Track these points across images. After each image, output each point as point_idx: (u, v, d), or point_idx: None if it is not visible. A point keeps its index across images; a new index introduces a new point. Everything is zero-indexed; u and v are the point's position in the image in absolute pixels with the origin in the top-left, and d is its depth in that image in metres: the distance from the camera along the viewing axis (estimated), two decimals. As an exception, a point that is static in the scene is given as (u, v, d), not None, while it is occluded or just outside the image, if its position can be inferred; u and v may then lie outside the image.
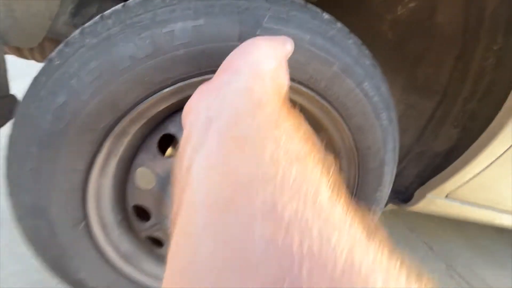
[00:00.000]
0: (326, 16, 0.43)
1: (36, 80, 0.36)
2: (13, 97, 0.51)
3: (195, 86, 0.31)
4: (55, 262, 0.45)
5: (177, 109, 0.43)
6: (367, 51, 0.47)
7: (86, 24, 0.36)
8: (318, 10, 0.43)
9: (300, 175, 0.17)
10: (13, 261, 0.47)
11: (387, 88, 0.50)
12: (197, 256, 0.16)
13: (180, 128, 0.41)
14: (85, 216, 0.44)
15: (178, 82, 0.39)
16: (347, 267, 0.12)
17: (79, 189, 0.41)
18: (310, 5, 0.43)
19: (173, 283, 0.17)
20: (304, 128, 0.23)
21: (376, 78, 0.47)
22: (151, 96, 0.39)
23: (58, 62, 0.35)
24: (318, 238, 0.13)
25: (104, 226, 0.47)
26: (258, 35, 0.37)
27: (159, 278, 0.53)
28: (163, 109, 0.42)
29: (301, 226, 0.14)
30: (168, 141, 0.49)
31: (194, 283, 0.15)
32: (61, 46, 0.35)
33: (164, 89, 0.39)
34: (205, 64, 0.38)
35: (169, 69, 0.37)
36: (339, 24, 0.44)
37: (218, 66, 0.29)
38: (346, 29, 0.45)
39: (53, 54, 0.35)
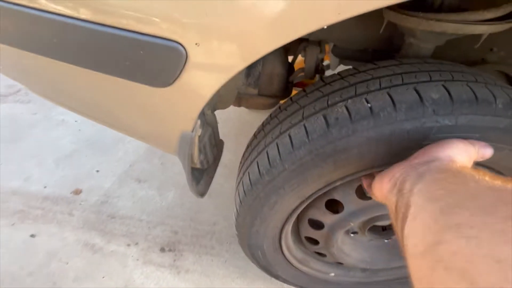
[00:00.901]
0: (499, 105, 0.42)
1: (253, 186, 0.55)
2: (222, 142, 0.72)
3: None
4: (265, 267, 0.75)
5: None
6: None
7: (282, 153, 0.50)
8: (490, 97, 0.42)
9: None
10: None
11: None
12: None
13: (343, 195, 0.56)
14: (280, 246, 0.68)
15: (342, 180, 0.51)
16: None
17: (277, 236, 0.64)
18: (481, 94, 0.42)
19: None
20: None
21: None
22: (324, 188, 0.53)
23: (268, 178, 0.53)
24: None
25: (288, 248, 0.71)
26: (426, 144, 0.42)
27: (317, 270, 0.78)
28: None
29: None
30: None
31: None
32: (269, 167, 0.52)
33: (336, 183, 0.52)
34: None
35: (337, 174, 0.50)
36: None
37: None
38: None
39: (264, 171, 0.53)
